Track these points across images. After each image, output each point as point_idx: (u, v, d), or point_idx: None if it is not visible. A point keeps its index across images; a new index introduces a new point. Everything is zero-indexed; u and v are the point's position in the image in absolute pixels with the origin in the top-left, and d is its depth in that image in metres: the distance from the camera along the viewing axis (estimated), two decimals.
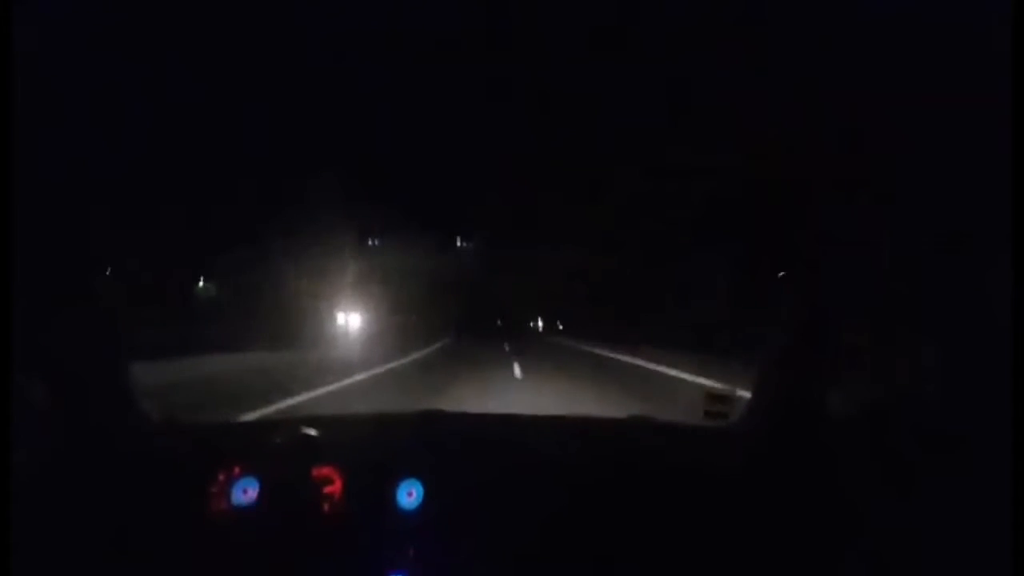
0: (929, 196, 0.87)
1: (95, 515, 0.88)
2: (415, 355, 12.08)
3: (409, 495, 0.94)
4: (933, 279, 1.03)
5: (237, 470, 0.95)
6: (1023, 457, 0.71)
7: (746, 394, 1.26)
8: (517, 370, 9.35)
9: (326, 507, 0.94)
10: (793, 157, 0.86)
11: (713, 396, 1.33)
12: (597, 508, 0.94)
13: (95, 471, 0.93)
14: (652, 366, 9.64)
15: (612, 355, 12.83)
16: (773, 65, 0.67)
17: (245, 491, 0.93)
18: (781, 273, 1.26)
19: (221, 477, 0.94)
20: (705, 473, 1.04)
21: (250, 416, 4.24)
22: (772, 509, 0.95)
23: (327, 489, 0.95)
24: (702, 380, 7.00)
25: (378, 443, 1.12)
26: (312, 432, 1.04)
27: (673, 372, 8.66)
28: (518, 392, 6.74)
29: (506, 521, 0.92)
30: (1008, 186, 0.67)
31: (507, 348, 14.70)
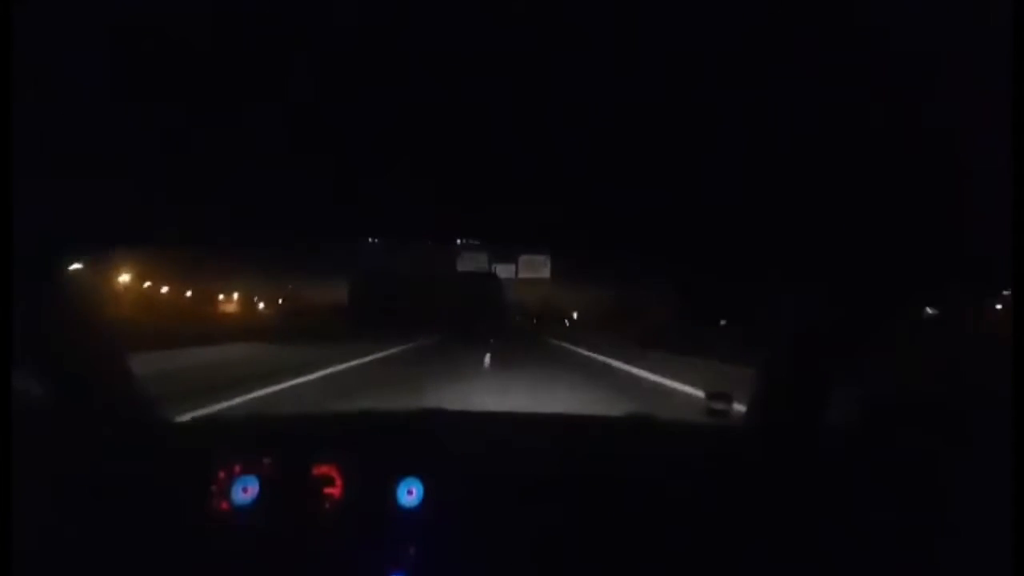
0: (929, 203, 0.87)
1: (96, 512, 0.88)
2: None
3: (409, 493, 0.95)
4: (932, 284, 1.03)
5: (237, 468, 0.95)
6: (1023, 459, 0.71)
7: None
8: None
9: (326, 505, 0.94)
10: (797, 162, 0.86)
11: (714, 394, 1.33)
12: (597, 507, 0.95)
13: (96, 469, 0.93)
14: None
15: None
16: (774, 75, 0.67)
17: (245, 489, 0.93)
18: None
19: (221, 475, 0.94)
20: (707, 471, 1.04)
21: None
22: (773, 506, 0.95)
23: (327, 488, 0.95)
24: None
25: (378, 441, 1.12)
26: (312, 430, 1.04)
27: None
28: None
29: (506, 519, 0.92)
30: (1007, 189, 0.67)
31: None
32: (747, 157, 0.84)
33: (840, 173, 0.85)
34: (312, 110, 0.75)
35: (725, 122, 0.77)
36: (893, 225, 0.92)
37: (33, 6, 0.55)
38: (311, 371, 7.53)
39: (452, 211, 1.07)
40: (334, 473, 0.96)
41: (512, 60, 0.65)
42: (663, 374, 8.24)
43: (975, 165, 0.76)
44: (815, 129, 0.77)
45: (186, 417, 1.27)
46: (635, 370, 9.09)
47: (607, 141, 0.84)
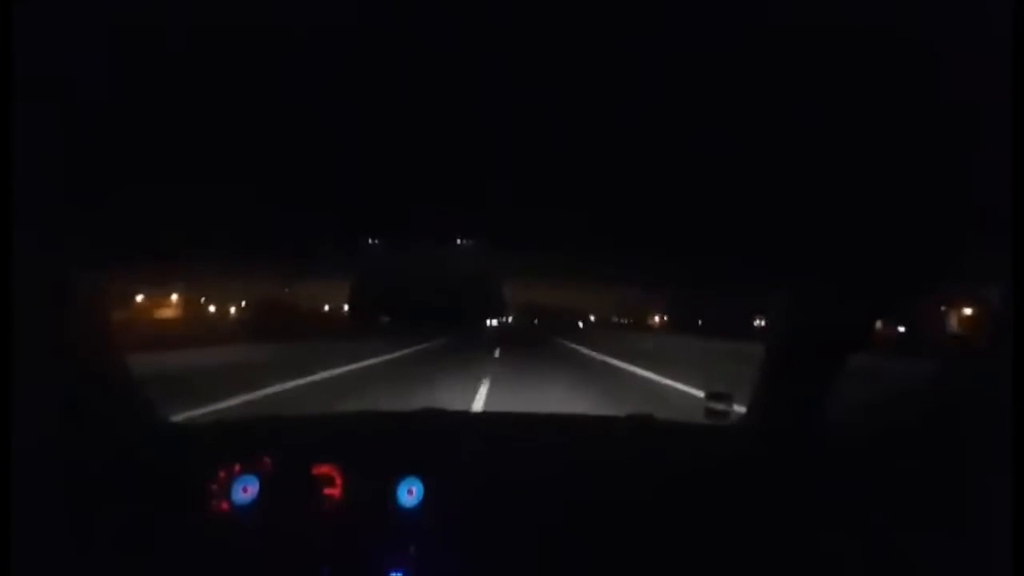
0: (929, 203, 0.87)
1: (96, 513, 0.88)
2: None
3: (409, 493, 0.95)
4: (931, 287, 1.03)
5: (238, 468, 0.95)
6: (1022, 459, 0.71)
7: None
8: None
9: (326, 506, 0.94)
10: (796, 161, 0.86)
11: (713, 395, 1.33)
12: (597, 506, 0.95)
13: (97, 469, 0.93)
14: None
15: None
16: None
17: (245, 489, 0.93)
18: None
19: (222, 475, 0.94)
20: (706, 471, 1.04)
21: None
22: (774, 506, 0.95)
23: (327, 488, 0.95)
24: None
25: (378, 442, 1.12)
26: (312, 430, 1.04)
27: None
28: None
29: (506, 519, 0.92)
30: (1007, 186, 0.67)
31: None
32: (746, 156, 0.84)
33: (839, 172, 0.85)
34: (312, 111, 0.75)
35: (724, 122, 0.77)
36: (893, 224, 0.92)
37: (33, 7, 0.55)
38: None
39: (453, 211, 1.07)
40: (334, 473, 0.96)
41: (513, 59, 0.65)
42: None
43: (975, 165, 0.76)
44: (813, 129, 0.77)
45: (186, 417, 1.27)
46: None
47: (608, 141, 0.83)
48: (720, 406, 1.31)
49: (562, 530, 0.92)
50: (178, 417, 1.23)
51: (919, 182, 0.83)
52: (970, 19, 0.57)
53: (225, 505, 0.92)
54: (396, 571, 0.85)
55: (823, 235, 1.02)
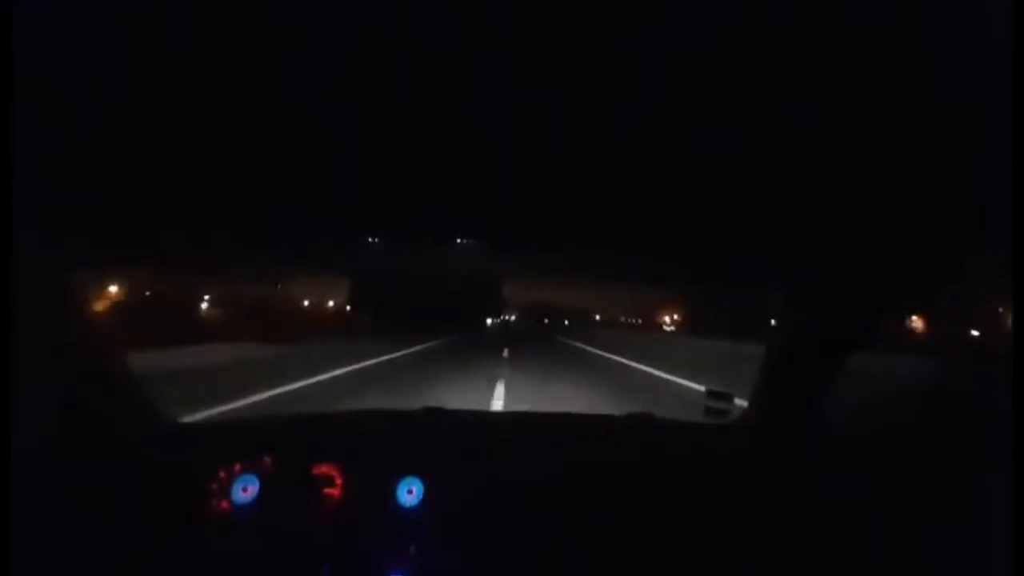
0: (929, 203, 0.87)
1: (95, 512, 0.88)
2: None
3: (409, 493, 0.95)
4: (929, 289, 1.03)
5: (238, 468, 0.95)
6: (1022, 459, 0.71)
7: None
8: None
9: (326, 505, 0.94)
10: (797, 161, 0.86)
11: (714, 394, 1.33)
12: (597, 505, 0.95)
13: (97, 469, 0.93)
14: None
15: None
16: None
17: (245, 489, 0.93)
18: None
19: (222, 475, 0.94)
20: (705, 470, 1.04)
21: None
22: (775, 505, 0.96)
23: (327, 487, 0.95)
24: None
25: (378, 441, 1.12)
26: (312, 430, 1.04)
27: None
28: None
29: (506, 519, 0.92)
30: (1007, 186, 0.67)
31: None
32: (746, 156, 0.84)
33: (839, 172, 0.85)
34: (312, 111, 0.75)
35: (724, 122, 0.77)
36: (893, 224, 0.92)
37: (33, 7, 0.55)
38: None
39: (453, 211, 1.07)
40: (334, 472, 0.96)
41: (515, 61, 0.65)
42: None
43: (975, 165, 0.76)
44: (813, 130, 0.77)
45: (186, 418, 1.27)
46: None
47: (608, 141, 0.83)
48: (720, 404, 1.31)
49: (562, 529, 0.92)
50: (178, 417, 1.23)
51: (919, 182, 0.83)
52: (970, 19, 0.57)
53: (225, 505, 0.92)
54: (396, 571, 0.85)
55: (823, 235, 1.02)
